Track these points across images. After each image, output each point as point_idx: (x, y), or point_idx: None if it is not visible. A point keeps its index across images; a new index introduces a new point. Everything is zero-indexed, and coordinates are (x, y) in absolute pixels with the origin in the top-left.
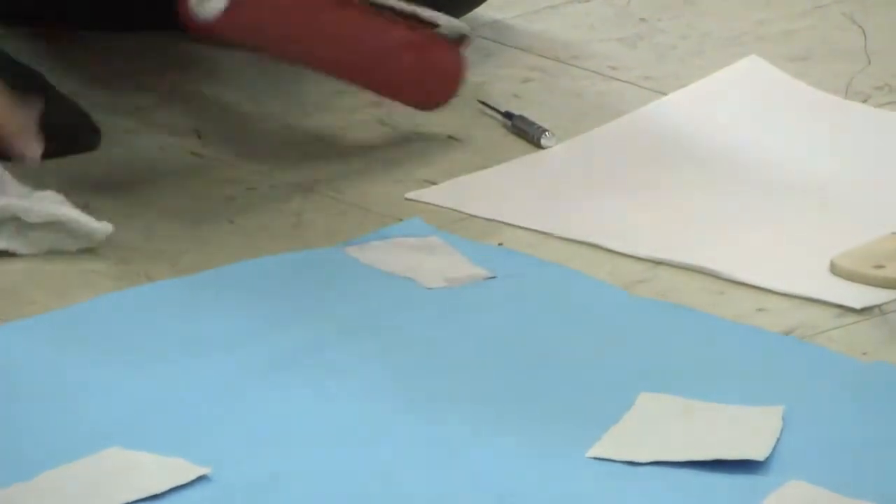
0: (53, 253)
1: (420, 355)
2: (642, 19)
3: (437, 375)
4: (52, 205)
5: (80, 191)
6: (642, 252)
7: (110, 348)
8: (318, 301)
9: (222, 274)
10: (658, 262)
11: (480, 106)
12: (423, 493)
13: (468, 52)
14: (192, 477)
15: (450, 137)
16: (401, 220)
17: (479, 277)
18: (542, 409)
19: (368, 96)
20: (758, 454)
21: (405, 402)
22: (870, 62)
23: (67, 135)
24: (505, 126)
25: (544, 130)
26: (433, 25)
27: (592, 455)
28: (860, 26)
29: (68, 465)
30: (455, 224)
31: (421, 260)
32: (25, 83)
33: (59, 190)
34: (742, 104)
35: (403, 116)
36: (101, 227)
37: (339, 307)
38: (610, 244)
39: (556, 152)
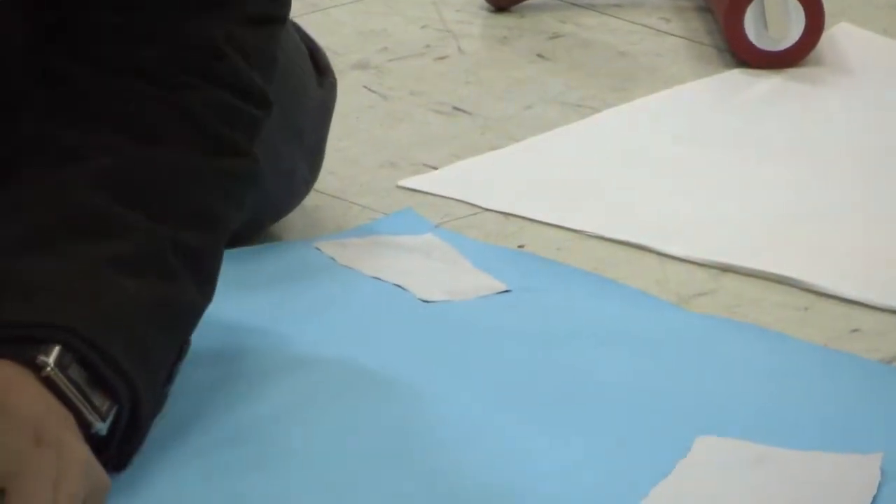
0: None
1: (406, 392)
2: None
3: (425, 421)
4: None
5: None
6: (703, 255)
7: None
8: (275, 307)
9: None
10: (723, 269)
11: (491, 70)
12: None
13: None
14: None
15: (455, 109)
16: (391, 212)
17: (489, 290)
18: (572, 459)
19: (350, 57)
20: None
21: (393, 448)
22: None
23: None
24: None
25: None
26: None
27: None
28: None
29: None
30: (462, 220)
31: (415, 264)
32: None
33: None
34: (832, 74)
35: (398, 80)
36: None
37: (301, 318)
38: (661, 246)
39: (590, 128)
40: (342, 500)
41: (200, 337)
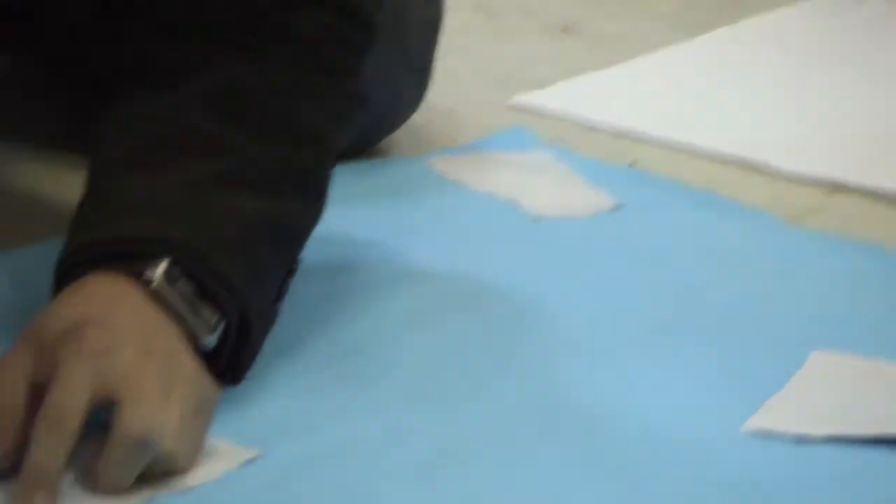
0: None
1: (515, 308)
2: None
3: (538, 331)
4: None
5: None
6: (814, 173)
7: None
8: (385, 222)
9: None
10: (835, 187)
11: None
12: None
13: None
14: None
15: (565, 27)
16: (502, 129)
17: (601, 207)
18: (685, 373)
19: None
20: None
21: (499, 364)
22: None
23: None
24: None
25: None
26: None
27: (750, 428)
28: None
29: None
30: (573, 137)
31: (526, 181)
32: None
33: None
34: None
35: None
36: None
37: (413, 233)
38: (772, 163)
39: (701, 47)
40: (445, 413)
41: (311, 252)
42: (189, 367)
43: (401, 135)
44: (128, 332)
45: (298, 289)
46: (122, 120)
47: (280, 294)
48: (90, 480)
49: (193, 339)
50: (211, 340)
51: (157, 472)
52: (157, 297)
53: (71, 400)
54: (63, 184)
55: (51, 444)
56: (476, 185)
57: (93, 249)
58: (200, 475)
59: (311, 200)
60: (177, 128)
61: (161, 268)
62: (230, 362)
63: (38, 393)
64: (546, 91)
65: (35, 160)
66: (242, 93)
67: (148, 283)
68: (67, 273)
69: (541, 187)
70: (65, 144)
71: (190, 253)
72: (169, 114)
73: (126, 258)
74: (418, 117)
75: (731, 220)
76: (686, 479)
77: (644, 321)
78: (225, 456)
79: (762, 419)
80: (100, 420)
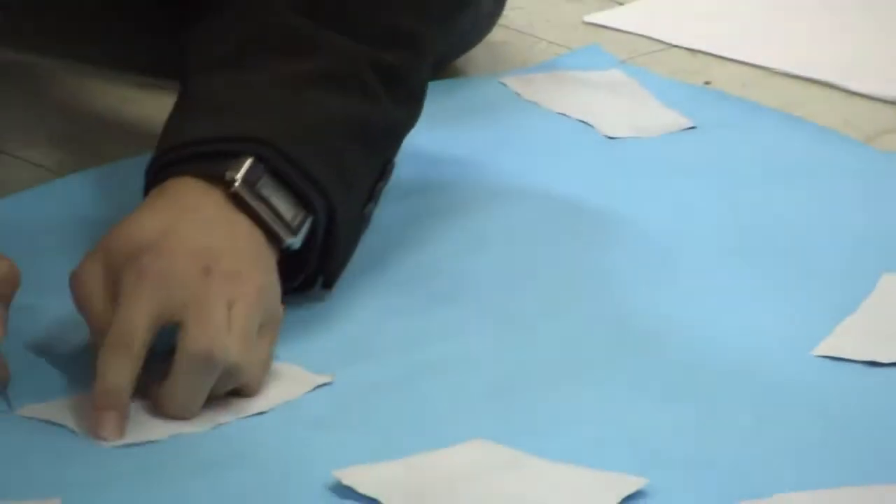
0: None
1: (591, 226)
2: None
3: (611, 252)
4: None
5: None
6: (890, 93)
7: None
8: (460, 141)
9: None
10: None
11: None
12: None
13: None
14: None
15: None
16: (576, 48)
17: (675, 127)
18: (758, 294)
19: None
20: None
21: (573, 285)
22: None
23: None
24: None
25: None
26: None
27: (821, 353)
28: None
29: None
30: (647, 56)
31: (601, 100)
32: None
33: None
34: None
35: None
36: None
37: (488, 152)
38: (848, 83)
39: None
40: (519, 334)
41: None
42: (254, 283)
43: (477, 53)
44: (192, 250)
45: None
46: (211, 25)
47: (371, 196)
48: (159, 404)
49: (277, 241)
50: (295, 241)
51: (226, 392)
52: (236, 199)
53: (134, 322)
54: (146, 105)
55: (117, 366)
56: (551, 104)
57: (177, 152)
58: (272, 400)
59: (405, 101)
60: (267, 29)
61: (244, 168)
62: (321, 266)
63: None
64: (622, 8)
65: (118, 81)
66: None
67: (229, 184)
68: (154, 177)
69: (615, 107)
70: (152, 68)
71: (273, 150)
72: (260, 16)
73: (210, 158)
74: (494, 35)
75: (806, 140)
76: (756, 403)
77: (718, 242)
78: (297, 381)
79: (833, 344)
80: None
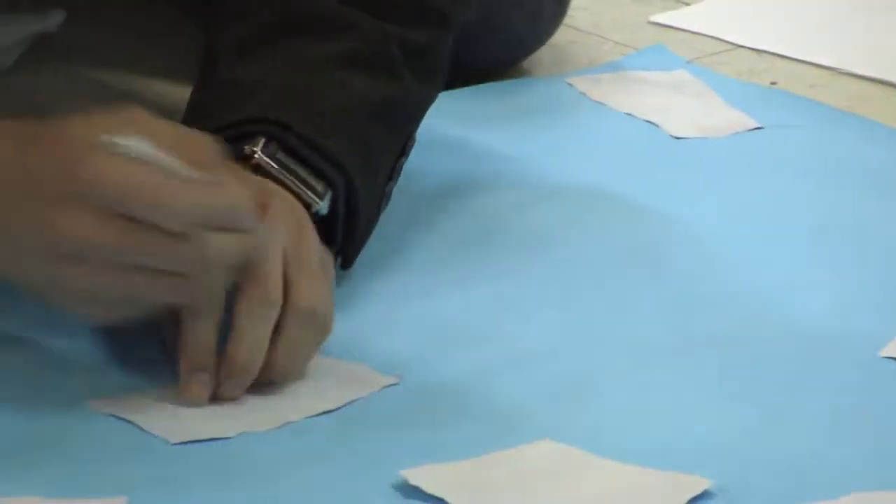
0: None
1: (660, 224)
2: None
3: (677, 251)
4: None
5: None
6: None
7: None
8: (527, 140)
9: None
10: None
11: None
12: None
13: None
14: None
15: None
16: (642, 48)
17: (741, 127)
18: (826, 294)
19: None
20: None
21: (638, 283)
22: None
23: None
24: None
25: None
26: None
27: (889, 354)
28: None
29: None
30: (713, 56)
31: (667, 100)
32: None
33: None
34: None
35: None
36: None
37: (555, 153)
38: None
39: None
40: (583, 332)
41: (455, 163)
42: (314, 232)
43: (543, 54)
44: (237, 194)
45: (441, 203)
46: (236, 6)
47: (392, 174)
48: (267, 370)
49: (305, 206)
50: (322, 207)
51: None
52: (259, 170)
53: (216, 280)
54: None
55: (205, 327)
56: (617, 104)
57: None
58: (340, 399)
59: (430, 78)
60: (290, 10)
61: (259, 144)
62: (341, 245)
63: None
64: (688, 9)
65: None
66: None
67: (248, 158)
68: None
69: (681, 107)
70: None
71: (283, 128)
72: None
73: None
74: (560, 36)
75: (872, 141)
76: (823, 403)
77: (784, 242)
78: (365, 381)
79: None
80: None
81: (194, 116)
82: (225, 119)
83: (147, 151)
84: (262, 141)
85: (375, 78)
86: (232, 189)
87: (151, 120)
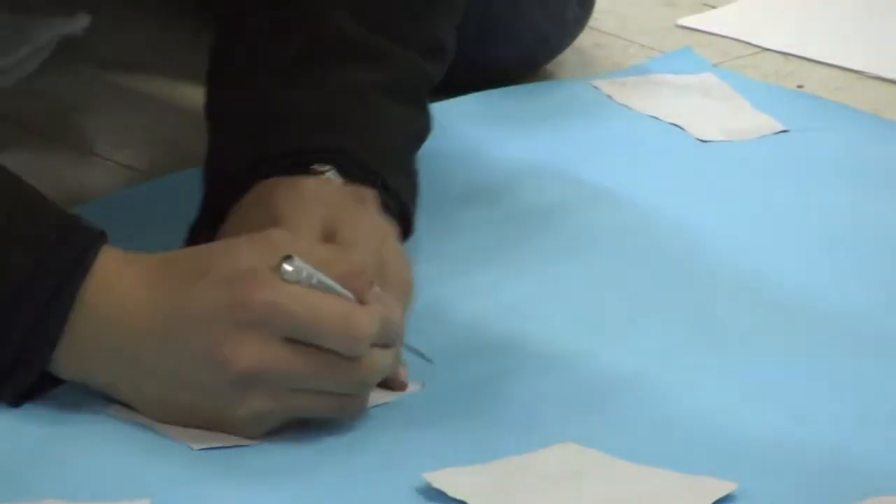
0: None
1: (685, 227)
2: None
3: (703, 255)
4: None
5: None
6: None
7: None
8: (552, 143)
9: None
10: None
11: None
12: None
13: None
14: None
15: None
16: (669, 51)
17: (767, 130)
18: (852, 297)
19: None
20: None
21: (665, 287)
22: None
23: None
24: None
25: None
26: None
27: None
28: None
29: None
30: (740, 59)
31: (693, 103)
32: None
33: None
34: None
35: None
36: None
37: (580, 156)
38: None
39: None
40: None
41: (481, 173)
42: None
43: (568, 57)
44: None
45: (464, 210)
46: (272, 31)
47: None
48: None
49: None
50: None
51: None
52: None
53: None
54: None
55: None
56: (643, 107)
57: (266, 164)
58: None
59: (428, 110)
60: (327, 37)
61: (329, 175)
62: None
63: None
64: (715, 12)
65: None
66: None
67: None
68: (233, 184)
69: (707, 110)
70: None
71: (353, 160)
72: (320, 21)
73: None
74: (585, 39)
75: None
76: (846, 405)
77: (810, 245)
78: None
79: None
80: None
81: (253, 140)
82: (284, 147)
83: (316, 276)
84: (331, 172)
85: (409, 108)
86: (395, 309)
87: (293, 240)
